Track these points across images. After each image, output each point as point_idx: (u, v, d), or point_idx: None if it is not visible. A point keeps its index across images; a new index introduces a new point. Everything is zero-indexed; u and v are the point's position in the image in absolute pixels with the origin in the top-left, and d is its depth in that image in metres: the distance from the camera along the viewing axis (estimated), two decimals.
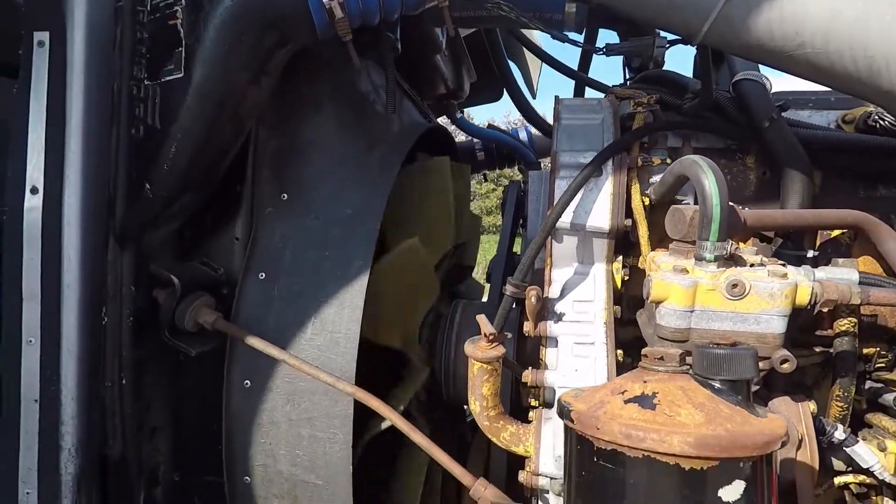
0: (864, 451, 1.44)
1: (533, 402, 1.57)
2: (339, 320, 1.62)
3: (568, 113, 1.74)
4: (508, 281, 1.53)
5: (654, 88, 1.87)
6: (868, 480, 1.48)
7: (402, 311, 1.86)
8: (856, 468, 1.47)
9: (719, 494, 1.03)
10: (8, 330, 1.49)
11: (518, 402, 1.80)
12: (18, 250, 1.48)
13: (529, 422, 1.53)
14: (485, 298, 2.41)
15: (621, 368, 1.50)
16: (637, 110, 1.73)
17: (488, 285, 2.15)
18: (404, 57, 1.92)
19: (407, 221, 1.92)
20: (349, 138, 1.84)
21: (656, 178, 1.61)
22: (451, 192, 2.06)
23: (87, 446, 1.52)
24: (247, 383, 1.65)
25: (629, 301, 1.66)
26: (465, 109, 3.41)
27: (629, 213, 1.59)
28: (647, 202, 1.61)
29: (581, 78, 2.72)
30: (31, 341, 1.48)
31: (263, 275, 1.70)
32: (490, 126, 3.56)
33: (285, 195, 1.77)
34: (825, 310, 1.41)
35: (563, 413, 1.18)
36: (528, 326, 1.58)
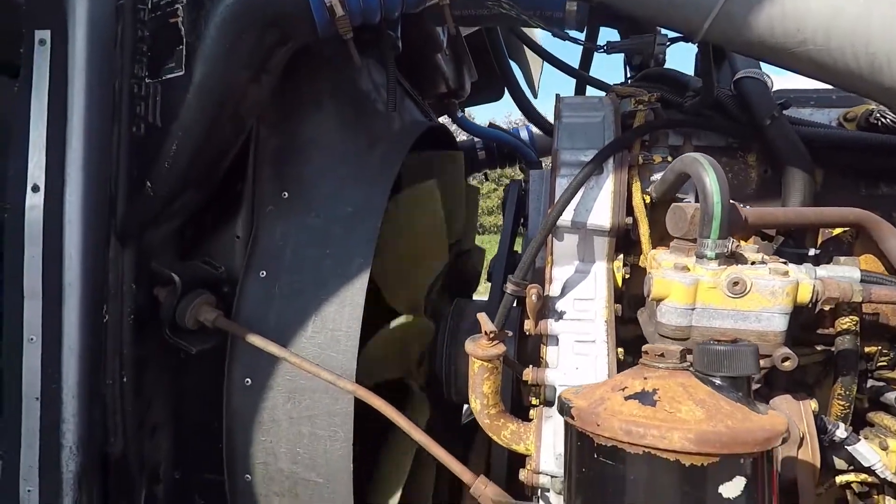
0: (865, 450, 1.44)
1: (534, 401, 1.58)
2: (340, 318, 1.62)
3: (569, 111, 1.74)
4: (509, 279, 1.53)
5: (655, 86, 1.88)
6: (870, 479, 1.48)
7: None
8: (857, 467, 1.47)
9: (720, 491, 1.03)
10: (9, 328, 1.49)
11: (519, 400, 1.80)
12: (20, 248, 1.48)
13: (530, 420, 1.53)
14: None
15: (622, 367, 1.50)
16: (638, 108, 1.73)
17: (489, 284, 2.15)
18: (405, 55, 1.92)
19: (396, 251, 1.89)
20: (350, 136, 1.84)
21: (657, 176, 1.61)
22: (441, 215, 2.00)
23: (89, 444, 1.52)
24: (247, 381, 1.65)
25: (630, 299, 1.66)
26: (466, 108, 3.42)
27: (630, 211, 1.59)
28: (648, 200, 1.61)
29: (582, 76, 2.72)
30: (32, 339, 1.48)
31: (264, 273, 1.70)
32: (491, 125, 3.56)
33: (286, 193, 1.77)
34: (827, 308, 1.41)
35: (564, 409, 1.18)
36: (528, 325, 1.58)
